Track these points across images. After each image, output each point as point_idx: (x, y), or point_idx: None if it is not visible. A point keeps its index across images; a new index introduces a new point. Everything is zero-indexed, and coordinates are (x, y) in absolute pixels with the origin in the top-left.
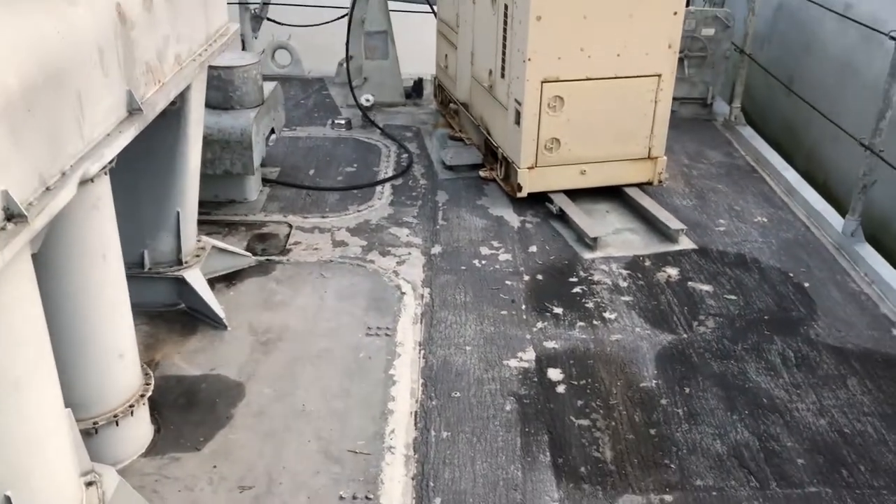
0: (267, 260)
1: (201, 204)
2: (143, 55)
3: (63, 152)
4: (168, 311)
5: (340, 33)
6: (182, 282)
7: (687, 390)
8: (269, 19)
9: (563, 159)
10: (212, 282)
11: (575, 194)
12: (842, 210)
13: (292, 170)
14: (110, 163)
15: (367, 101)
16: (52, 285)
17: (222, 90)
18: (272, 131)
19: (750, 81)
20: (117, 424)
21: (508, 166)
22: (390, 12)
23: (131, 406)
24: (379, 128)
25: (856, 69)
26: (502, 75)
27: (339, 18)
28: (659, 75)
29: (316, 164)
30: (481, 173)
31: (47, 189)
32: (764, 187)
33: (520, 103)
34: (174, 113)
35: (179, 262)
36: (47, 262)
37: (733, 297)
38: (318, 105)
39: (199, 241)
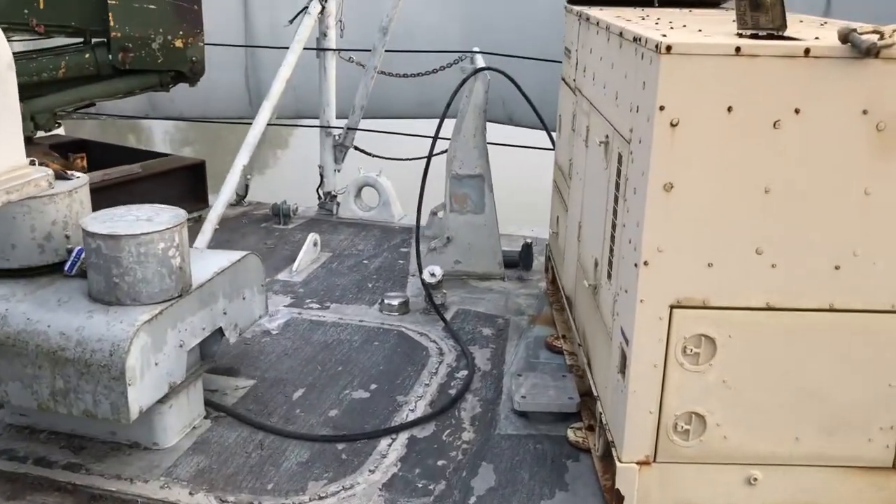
0: None
1: (79, 447)
2: None
3: None
4: None
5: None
6: None
7: None
8: (356, 148)
9: (711, 454)
10: None
11: None
12: None
13: (271, 387)
14: None
15: (433, 275)
16: None
17: (103, 272)
18: (220, 332)
19: None
20: None
21: (609, 444)
22: (491, 145)
23: None
24: (443, 318)
25: None
26: (608, 275)
27: (444, 152)
28: None
29: (315, 377)
30: (571, 435)
31: None
32: None
33: (627, 340)
34: None
35: None
36: None
37: None
38: (384, 269)
39: None
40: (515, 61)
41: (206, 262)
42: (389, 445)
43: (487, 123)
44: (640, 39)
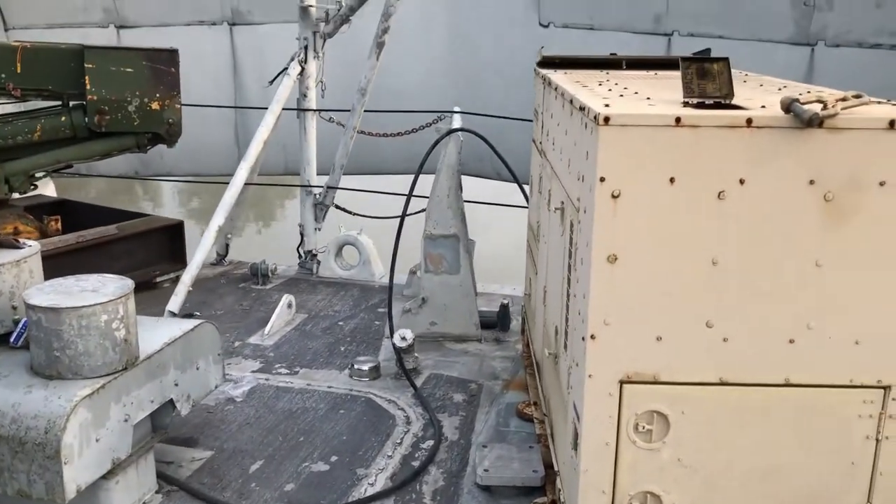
0: None
1: None
2: None
3: None
4: None
5: None
6: None
7: None
8: (336, 207)
9: None
10: None
11: None
12: None
13: (228, 458)
14: None
15: (404, 339)
16: None
17: (44, 345)
18: (171, 405)
19: None
20: None
21: None
22: (469, 202)
23: None
24: (412, 384)
25: None
26: (565, 346)
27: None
28: (886, 387)
29: (275, 448)
30: None
31: None
32: None
33: (578, 416)
34: None
35: None
36: None
37: None
38: (359, 331)
39: None
40: (505, 119)
41: (157, 333)
42: None
43: (478, 178)
44: (584, 109)
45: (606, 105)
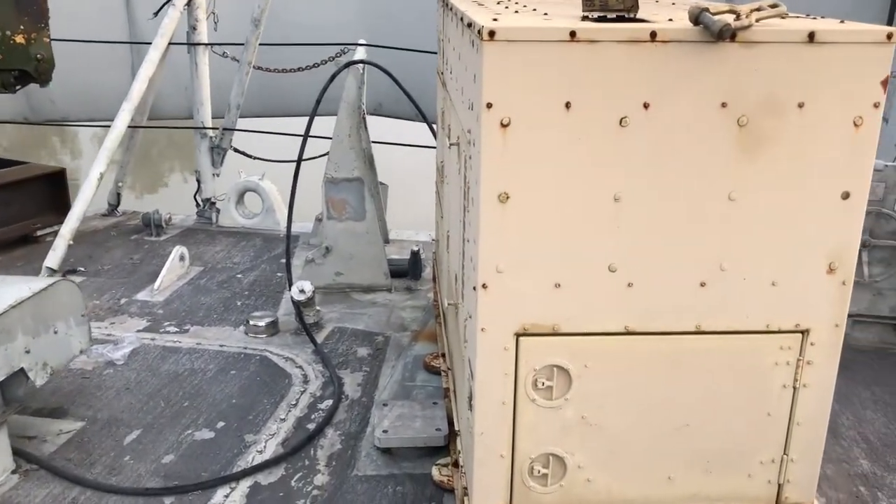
0: None
1: None
2: None
3: None
4: None
5: None
6: None
7: None
8: (235, 150)
9: (574, 500)
10: None
11: None
12: None
13: (101, 430)
14: None
15: (302, 292)
16: None
17: None
18: (24, 374)
19: None
20: None
21: (465, 490)
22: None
23: None
24: (312, 339)
25: None
26: (462, 296)
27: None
28: (805, 331)
29: (155, 415)
30: (435, 473)
31: None
32: None
33: (472, 374)
34: None
35: None
36: None
37: None
38: (259, 284)
39: None
40: (419, 53)
41: (1, 294)
42: (227, 496)
43: (402, 120)
44: (472, 25)
45: (494, 20)
